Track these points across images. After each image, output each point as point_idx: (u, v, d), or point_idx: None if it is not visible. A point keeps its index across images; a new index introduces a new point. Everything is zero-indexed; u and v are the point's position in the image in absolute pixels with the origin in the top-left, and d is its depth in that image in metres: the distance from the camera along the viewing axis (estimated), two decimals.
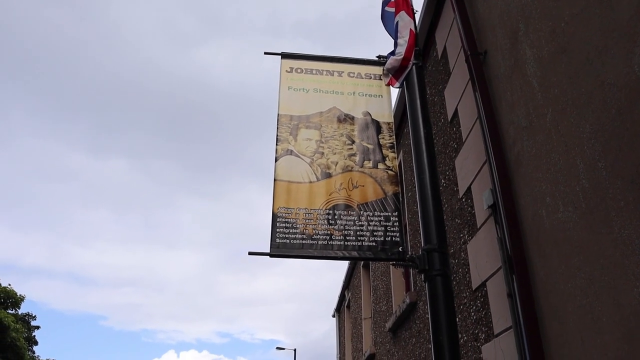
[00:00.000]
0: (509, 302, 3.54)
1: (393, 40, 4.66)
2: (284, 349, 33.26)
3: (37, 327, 31.65)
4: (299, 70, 4.70)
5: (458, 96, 4.95)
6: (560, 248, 3.05)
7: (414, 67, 4.38)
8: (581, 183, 2.82)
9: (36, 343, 31.26)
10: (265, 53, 4.83)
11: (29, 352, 29.67)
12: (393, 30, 4.81)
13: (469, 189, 4.60)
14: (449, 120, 5.30)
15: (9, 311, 28.56)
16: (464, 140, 4.77)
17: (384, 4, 5.14)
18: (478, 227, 4.33)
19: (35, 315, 31.09)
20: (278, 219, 3.79)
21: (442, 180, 5.46)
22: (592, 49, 2.74)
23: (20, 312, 30.07)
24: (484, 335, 4.20)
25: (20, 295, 29.53)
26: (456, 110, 5.04)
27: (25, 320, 30.44)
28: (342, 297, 16.37)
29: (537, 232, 3.35)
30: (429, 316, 3.42)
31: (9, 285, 29.16)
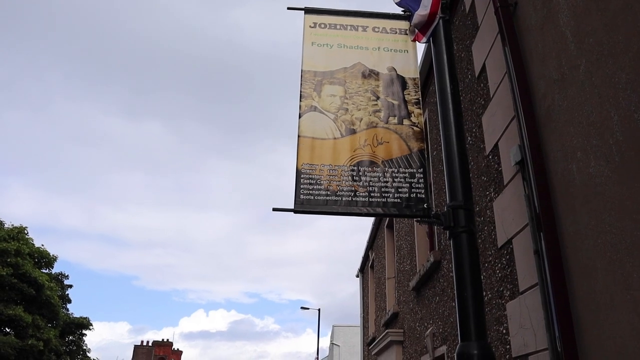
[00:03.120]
0: (536, 259, 3.50)
1: None
2: (308, 308, 33.99)
3: (70, 286, 32.81)
4: (322, 26, 4.60)
5: (486, 51, 4.80)
6: (590, 204, 2.98)
7: (440, 21, 4.25)
8: (615, 136, 2.73)
9: (69, 301, 32.48)
10: (289, 8, 4.73)
11: (63, 310, 30.87)
12: None
13: (495, 145, 4.51)
14: (476, 76, 5.17)
15: (43, 270, 29.59)
16: (491, 96, 4.65)
17: None
18: (505, 184, 4.26)
19: (67, 275, 32.17)
20: (302, 176, 3.78)
21: (469, 138, 5.36)
22: None
23: (53, 271, 31.14)
24: (508, 293, 4.19)
25: (53, 255, 30.52)
26: (484, 65, 4.90)
27: (59, 279, 31.54)
28: (365, 258, 16.51)
29: (567, 188, 3.28)
30: (454, 273, 3.41)
31: (42, 245, 30.12)
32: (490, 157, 4.71)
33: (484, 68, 4.92)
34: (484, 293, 4.65)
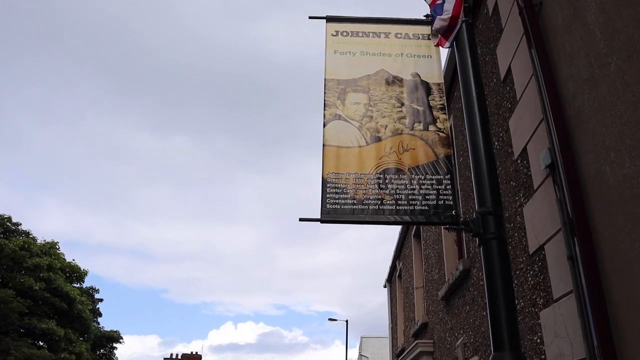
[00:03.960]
0: (570, 265, 3.39)
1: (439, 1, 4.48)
2: (335, 320, 33.76)
3: (101, 300, 33.32)
4: (344, 34, 4.59)
5: (511, 53, 4.72)
6: (626, 206, 2.88)
7: (463, 25, 4.20)
8: None
9: (100, 315, 32.95)
10: (310, 17, 4.74)
11: (94, 323, 31.32)
12: None
13: (524, 149, 4.41)
14: (502, 79, 5.08)
15: (74, 284, 30.12)
16: (518, 99, 4.57)
17: None
18: (535, 188, 4.16)
19: (98, 289, 32.68)
20: (328, 185, 3.75)
21: (496, 142, 5.27)
22: None
23: (84, 285, 31.67)
24: (542, 301, 4.07)
25: (83, 269, 31.05)
26: (509, 68, 4.81)
27: (89, 294, 32.06)
28: (393, 267, 16.35)
29: (601, 191, 3.18)
30: (484, 281, 3.33)
31: (73, 260, 30.69)
32: (518, 161, 4.61)
33: (509, 71, 4.83)
34: (517, 301, 4.53)
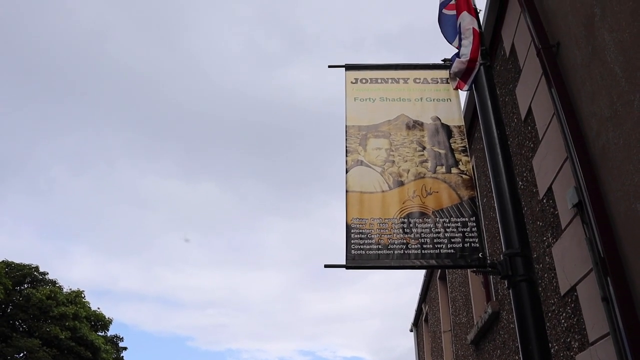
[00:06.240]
0: (605, 307, 3.29)
1: (457, 43, 4.56)
2: None
3: (125, 348, 33.15)
4: (363, 81, 4.67)
5: (531, 93, 4.74)
6: None
7: (481, 67, 4.25)
8: None
9: None
10: (329, 66, 4.84)
11: None
12: (451, 34, 4.71)
13: (549, 189, 4.37)
14: (523, 119, 5.08)
15: (99, 333, 30.12)
16: (540, 138, 4.55)
17: (442, 7, 5.04)
18: (563, 228, 4.09)
19: (122, 337, 32.58)
20: (352, 230, 3.75)
21: (520, 183, 5.22)
22: None
23: (109, 334, 31.64)
24: (577, 344, 3.93)
25: (108, 318, 31.10)
26: (530, 108, 4.82)
27: (114, 342, 31.97)
28: (419, 311, 16.02)
29: (632, 229, 3.11)
30: (516, 324, 3.25)
31: (98, 308, 30.82)
32: (544, 201, 4.56)
33: (530, 111, 4.84)
34: (550, 345, 4.39)
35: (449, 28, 4.83)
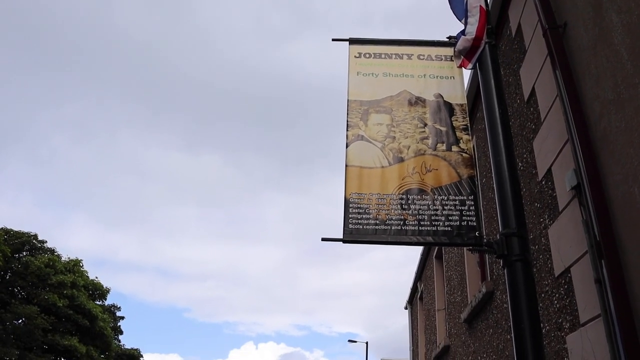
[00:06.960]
0: (597, 289, 3.32)
1: (464, 21, 4.51)
2: (355, 342, 33.39)
3: (122, 318, 33.57)
4: (367, 55, 4.63)
5: (535, 74, 4.71)
6: None
7: (486, 46, 4.21)
8: None
9: (121, 332, 33.15)
10: (334, 40, 4.79)
11: (115, 341, 31.50)
12: (462, 12, 4.65)
13: (549, 170, 4.37)
14: (526, 100, 5.06)
15: (97, 302, 30.44)
16: (542, 120, 4.54)
17: None
18: (560, 210, 4.10)
19: (119, 307, 32.94)
20: (350, 205, 3.75)
21: (519, 164, 5.22)
22: None
23: (106, 303, 31.97)
24: (568, 325, 3.98)
25: (106, 287, 31.40)
26: (533, 89, 4.79)
27: (111, 311, 32.32)
28: (414, 289, 16.17)
29: (629, 213, 3.12)
30: (509, 304, 3.29)
31: (96, 277, 31.10)
32: (543, 182, 4.57)
33: (533, 92, 4.81)
34: (542, 325, 4.44)
35: (459, 5, 4.78)
